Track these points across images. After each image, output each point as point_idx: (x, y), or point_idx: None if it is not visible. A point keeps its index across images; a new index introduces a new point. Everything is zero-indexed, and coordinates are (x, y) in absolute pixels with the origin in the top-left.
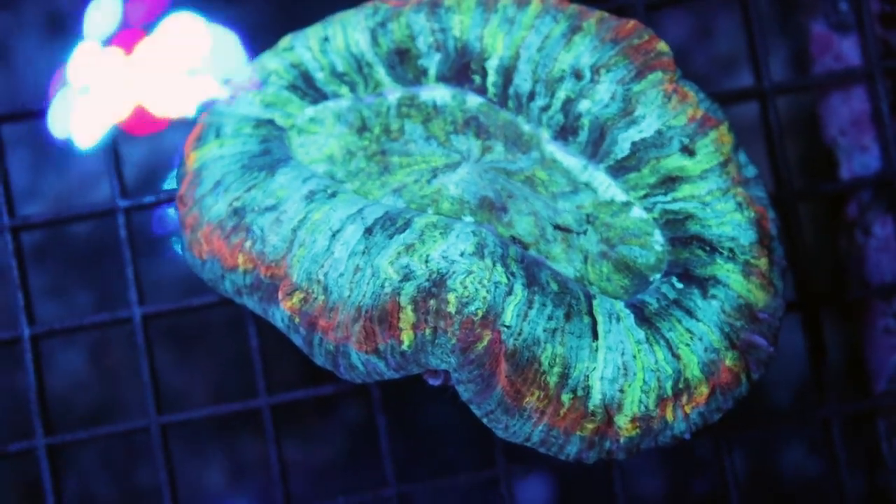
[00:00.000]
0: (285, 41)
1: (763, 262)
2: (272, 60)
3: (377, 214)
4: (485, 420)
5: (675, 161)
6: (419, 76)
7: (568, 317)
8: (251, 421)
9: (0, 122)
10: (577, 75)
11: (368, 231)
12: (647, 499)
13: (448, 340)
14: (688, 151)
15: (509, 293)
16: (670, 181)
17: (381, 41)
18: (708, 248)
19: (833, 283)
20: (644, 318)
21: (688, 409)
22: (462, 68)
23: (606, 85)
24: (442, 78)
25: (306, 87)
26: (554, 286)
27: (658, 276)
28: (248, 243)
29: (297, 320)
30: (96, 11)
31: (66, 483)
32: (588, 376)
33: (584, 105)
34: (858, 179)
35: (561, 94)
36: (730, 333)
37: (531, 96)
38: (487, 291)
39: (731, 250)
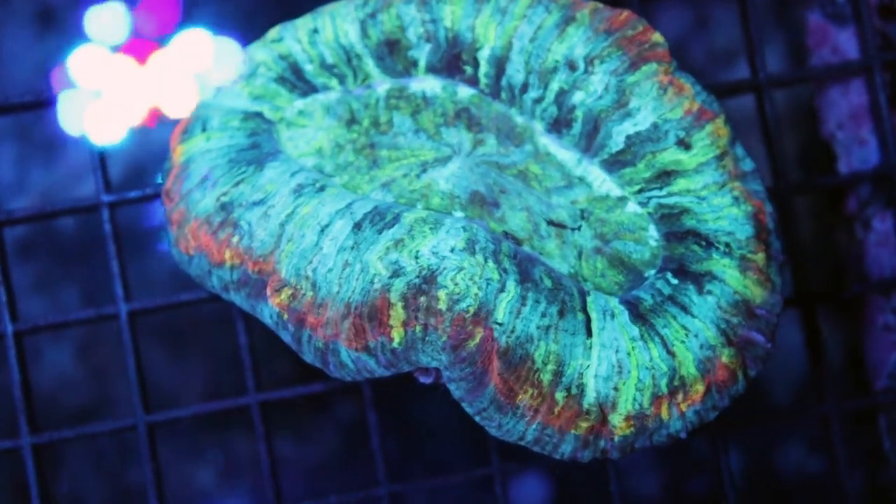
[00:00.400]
0: (274, 32)
1: (760, 257)
2: (260, 52)
3: (366, 209)
4: (477, 418)
5: (670, 155)
6: (409, 67)
7: (562, 314)
8: (243, 419)
9: None
10: (571, 66)
11: (357, 226)
12: (643, 498)
13: (439, 338)
14: (684, 145)
15: (501, 290)
16: (666, 175)
17: (370, 32)
18: (704, 244)
19: (832, 278)
20: (639, 314)
21: (683, 408)
22: (453, 59)
23: (600, 76)
24: (432, 69)
25: (295, 80)
26: (548, 282)
27: (653, 271)
28: (235, 238)
29: (285, 317)
30: (102, 16)
31: (55, 482)
32: (582, 374)
33: (577, 97)
34: (857, 174)
35: (554, 86)
36: (726, 330)
37: (524, 88)
38: (479, 288)
39: (727, 245)
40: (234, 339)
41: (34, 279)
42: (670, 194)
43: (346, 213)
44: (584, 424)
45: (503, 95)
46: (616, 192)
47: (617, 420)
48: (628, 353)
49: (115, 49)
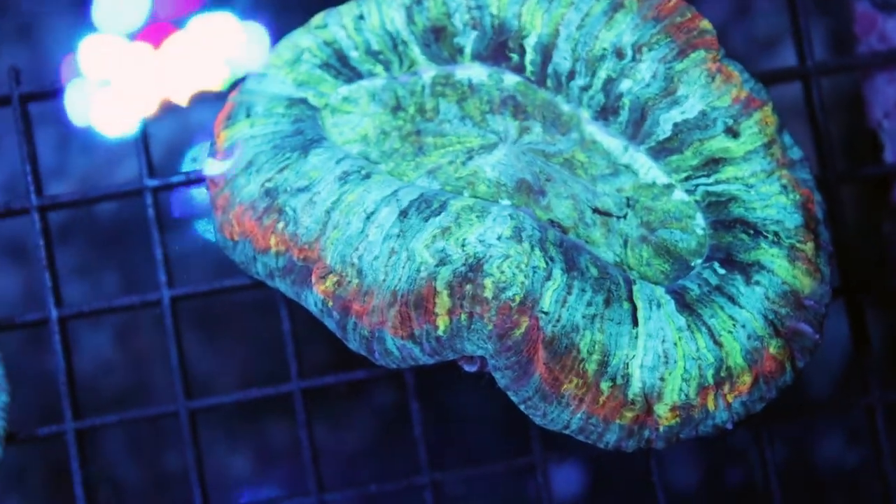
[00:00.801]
0: (318, 18)
1: (809, 247)
2: (305, 38)
3: (412, 196)
4: (522, 407)
5: (718, 143)
6: (454, 54)
7: (608, 303)
8: (279, 406)
9: (26, 100)
10: (619, 54)
11: (403, 213)
12: (680, 488)
13: (484, 326)
14: (732, 133)
15: (548, 278)
16: (713, 163)
17: (416, 19)
18: (752, 232)
19: (876, 269)
20: (685, 304)
21: (730, 398)
22: (499, 46)
23: (648, 64)
24: (478, 56)
25: (340, 66)
26: (593, 271)
27: (699, 260)
28: (280, 225)
29: (330, 304)
30: (122, 4)
31: (90, 467)
32: (628, 364)
33: (625, 84)
34: None
35: (602, 74)
36: (774, 321)
37: (571, 75)
38: (525, 276)
39: (775, 234)
40: (268, 326)
41: (73, 264)
42: (718, 182)
43: (391, 201)
44: (630, 414)
45: (549, 83)
46: (662, 179)
47: (662, 410)
48: (675, 343)
49: (132, 36)
